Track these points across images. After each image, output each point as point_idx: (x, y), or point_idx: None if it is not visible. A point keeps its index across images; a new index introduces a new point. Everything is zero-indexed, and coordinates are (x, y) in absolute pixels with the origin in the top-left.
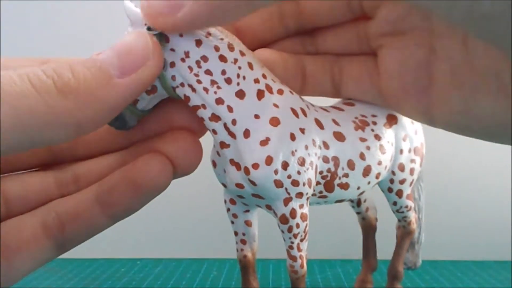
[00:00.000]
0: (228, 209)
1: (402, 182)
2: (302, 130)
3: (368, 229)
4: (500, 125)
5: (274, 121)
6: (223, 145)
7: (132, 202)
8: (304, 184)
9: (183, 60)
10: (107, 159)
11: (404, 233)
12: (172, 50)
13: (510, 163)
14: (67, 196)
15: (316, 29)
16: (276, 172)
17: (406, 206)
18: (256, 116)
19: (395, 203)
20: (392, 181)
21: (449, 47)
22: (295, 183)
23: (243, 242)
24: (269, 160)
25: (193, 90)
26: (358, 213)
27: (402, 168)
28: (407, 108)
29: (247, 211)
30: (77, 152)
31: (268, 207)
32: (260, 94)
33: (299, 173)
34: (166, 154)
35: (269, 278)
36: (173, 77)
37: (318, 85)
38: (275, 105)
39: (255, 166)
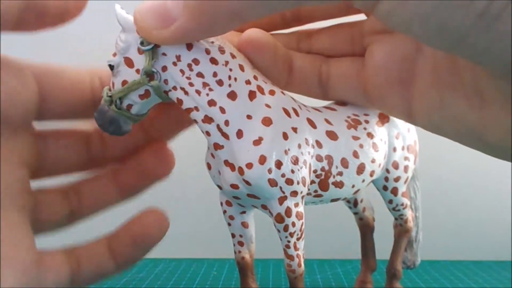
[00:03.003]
0: (225, 211)
1: (396, 180)
2: (295, 129)
3: (366, 229)
4: (472, 131)
5: (267, 121)
6: (217, 146)
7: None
8: (298, 183)
9: (174, 64)
10: None
11: (401, 231)
12: (164, 54)
13: (510, 163)
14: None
15: (312, 28)
16: (270, 171)
17: (402, 204)
18: (249, 117)
19: (390, 201)
20: (386, 179)
21: None
22: (289, 181)
23: (241, 244)
24: (262, 160)
25: (186, 93)
26: (355, 213)
27: (396, 166)
28: (389, 103)
29: (244, 212)
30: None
31: (264, 207)
32: (251, 95)
33: (293, 171)
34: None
35: (269, 278)
36: (166, 81)
37: (305, 80)
38: (267, 106)
39: (249, 165)
